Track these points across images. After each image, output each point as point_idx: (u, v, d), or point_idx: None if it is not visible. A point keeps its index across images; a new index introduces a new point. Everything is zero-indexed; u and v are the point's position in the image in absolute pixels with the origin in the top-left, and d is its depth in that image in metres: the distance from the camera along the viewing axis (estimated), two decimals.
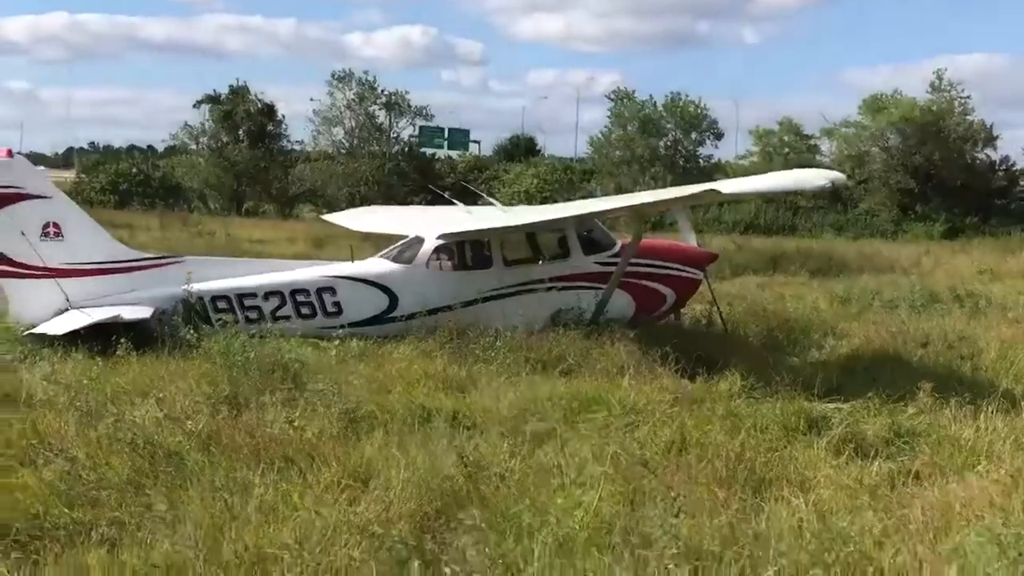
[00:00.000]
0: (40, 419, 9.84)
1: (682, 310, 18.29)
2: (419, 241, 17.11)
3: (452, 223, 17.81)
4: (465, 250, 17.09)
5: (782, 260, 33.48)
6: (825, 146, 70.82)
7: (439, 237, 16.99)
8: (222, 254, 21.49)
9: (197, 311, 15.49)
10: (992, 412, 11.20)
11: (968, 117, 65.72)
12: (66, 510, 7.50)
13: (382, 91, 72.04)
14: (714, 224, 55.96)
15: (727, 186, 16.10)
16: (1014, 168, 66.25)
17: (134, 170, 67.84)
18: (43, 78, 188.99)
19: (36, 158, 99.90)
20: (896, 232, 58.37)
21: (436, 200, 21.10)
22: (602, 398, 11.69)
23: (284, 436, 9.60)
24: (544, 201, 51.37)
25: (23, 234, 15.48)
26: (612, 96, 73.88)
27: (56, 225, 15.67)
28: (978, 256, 40.12)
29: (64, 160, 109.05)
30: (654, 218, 21.61)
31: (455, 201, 22.10)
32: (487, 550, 6.54)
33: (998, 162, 66.49)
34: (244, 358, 12.73)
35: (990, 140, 66.15)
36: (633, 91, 73.04)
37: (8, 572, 6.42)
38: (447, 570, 6.25)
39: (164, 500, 7.78)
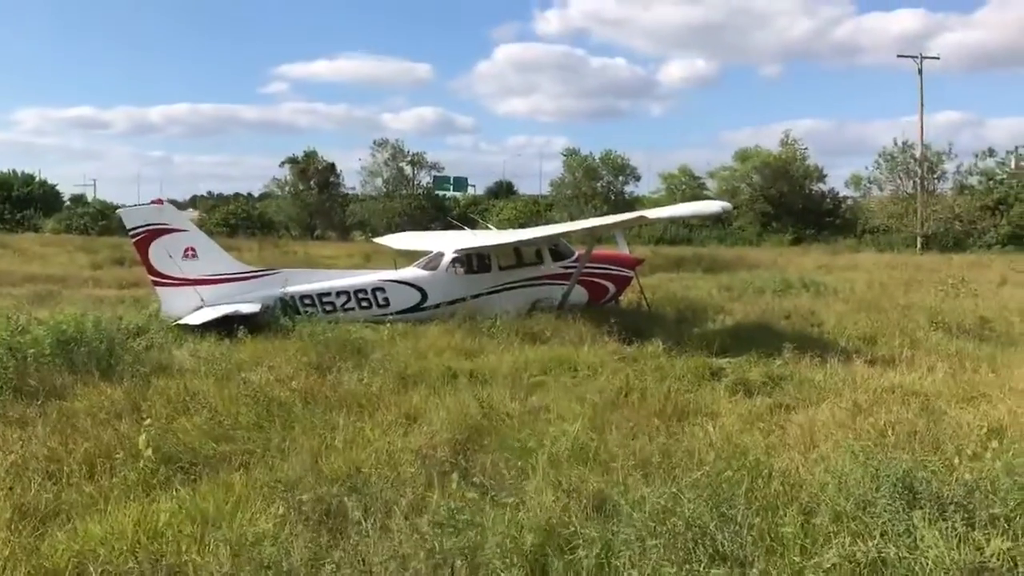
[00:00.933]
0: (189, 382, 9.77)
1: (620, 298, 18.30)
2: (441, 255, 17.02)
3: (463, 242, 17.74)
4: (472, 260, 17.01)
5: (684, 262, 33.46)
6: (710, 183, 70.87)
7: (455, 251, 16.91)
8: (304, 267, 21.38)
9: (291, 306, 15.39)
10: (835, 362, 11.25)
11: (806, 162, 66.05)
12: (213, 444, 7.45)
13: (408, 152, 72.10)
14: (636, 239, 55.86)
15: (652, 213, 16.07)
16: (838, 196, 66.72)
17: (240, 210, 67.41)
18: (174, 147, 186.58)
19: (173, 204, 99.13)
20: (759, 241, 58.49)
21: (448, 227, 21.00)
22: (570, 359, 11.70)
23: (357, 390, 9.58)
24: (520, 227, 51.21)
25: (171, 256, 15.37)
26: (565, 153, 74.09)
27: (193, 249, 15.54)
28: (815, 256, 40.23)
29: (191, 204, 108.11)
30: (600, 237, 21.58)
31: (463, 227, 22.01)
32: (504, 464, 6.52)
33: (827, 192, 66.94)
34: (324, 337, 12.71)
35: (821, 177, 66.59)
36: (578, 149, 73.25)
37: (178, 488, 6.37)
38: (475, 479, 6.22)
39: (279, 436, 7.75)
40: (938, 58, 59.54)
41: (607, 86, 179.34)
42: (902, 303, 18.26)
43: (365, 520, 5.35)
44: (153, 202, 16.32)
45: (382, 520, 5.44)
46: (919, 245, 51.90)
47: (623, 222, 16.56)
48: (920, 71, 54.16)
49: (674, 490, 5.25)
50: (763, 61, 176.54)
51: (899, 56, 57.00)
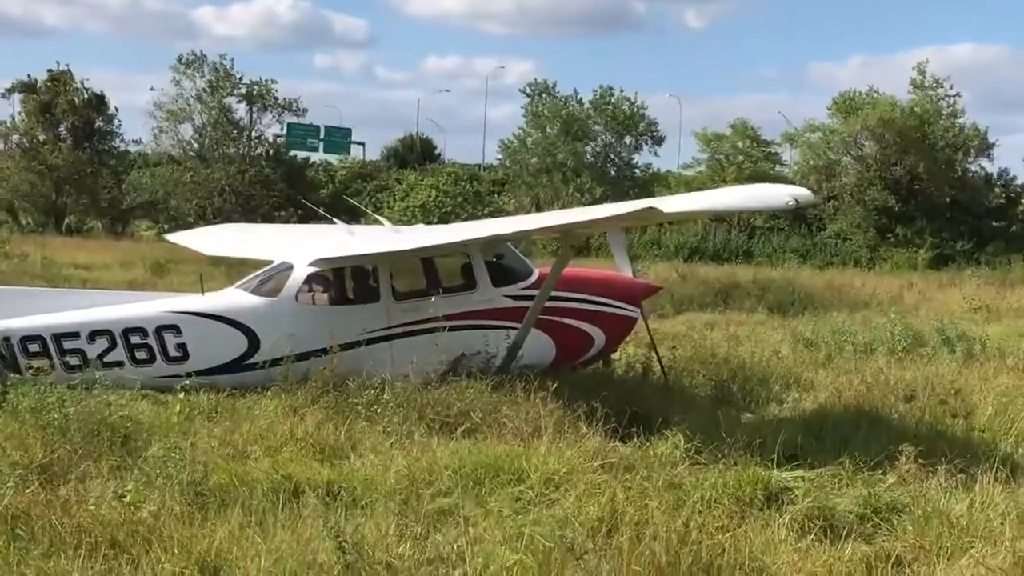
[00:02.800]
0: None
1: (614, 355, 18.31)
2: (287, 268, 17.02)
3: (329, 246, 17.76)
4: (345, 280, 17.04)
5: (735, 293, 33.82)
6: (787, 154, 71.88)
7: (312, 264, 16.92)
8: (35, 283, 21.21)
9: (2, 355, 15.24)
10: (989, 482, 11.33)
11: (958, 120, 66.79)
12: None
13: (241, 79, 71.86)
14: (652, 249, 56.38)
15: (669, 204, 16.18)
16: (1015, 183, 66.94)
17: None
18: None
19: None
20: (872, 260, 59.15)
21: (309, 217, 20.99)
22: (514, 464, 11.67)
23: (112, 515, 9.45)
24: (444, 218, 51.44)
25: None
26: (528, 90, 74.41)
27: None
28: (971, 291, 40.75)
29: None
30: (581, 241, 21.51)
31: (333, 219, 21.99)
32: None
33: (995, 176, 67.27)
34: (62, 416, 12.56)
35: (985, 149, 66.91)
36: (554, 84, 73.85)
37: None
38: None
39: None
40: None
41: None
42: None
43: None
44: None
45: None
46: None
47: (620, 216, 16.52)
48: None
49: None
50: None
51: None
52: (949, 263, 56.06)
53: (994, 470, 11.67)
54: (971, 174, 66.42)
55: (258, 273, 17.44)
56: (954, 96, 66.75)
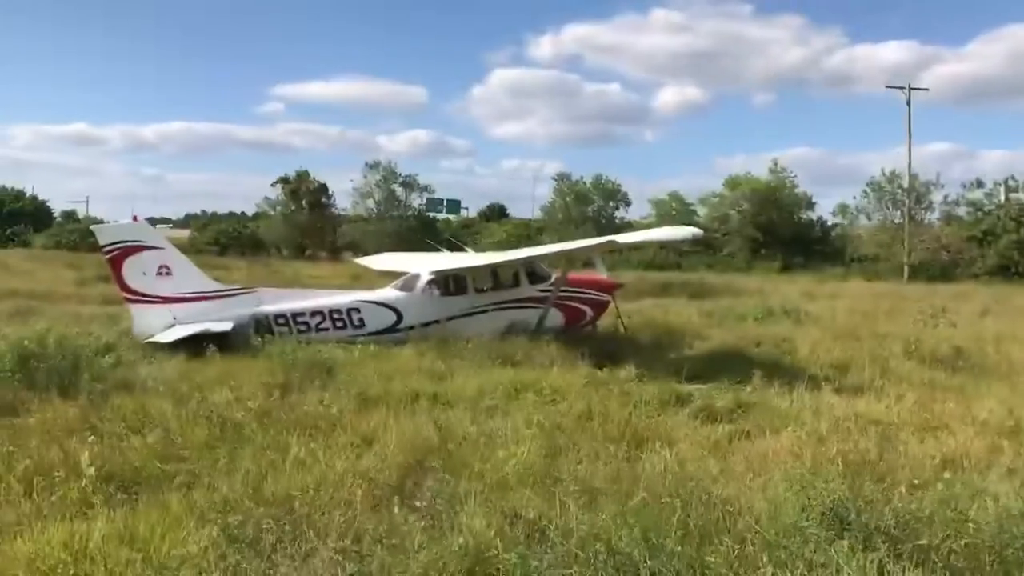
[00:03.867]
0: (148, 401, 9.67)
1: (597, 323, 18.23)
2: (417, 275, 16.97)
3: (440, 263, 17.72)
4: (449, 281, 16.98)
5: (670, 288, 33.42)
6: (700, 210, 70.95)
7: (431, 272, 16.88)
8: (291, 287, 21.41)
9: (264, 325, 15.33)
10: (802, 390, 11.20)
11: (795, 190, 66.06)
12: (157, 463, 7.35)
13: (400, 174, 71.95)
14: (625, 263, 55.92)
15: (622, 238, 16.12)
16: (826, 224, 66.78)
17: (231, 229, 67.52)
18: (168, 166, 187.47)
19: (164, 221, 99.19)
20: (748, 268, 58.41)
21: (434, 250, 21.04)
22: (537, 382, 11.58)
23: (315, 411, 9.49)
24: (512, 249, 51.32)
25: (144, 274, 15.29)
26: (556, 178, 74.29)
27: (167, 267, 15.46)
28: (802, 284, 40.14)
29: (184, 222, 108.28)
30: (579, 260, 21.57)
31: (441, 248, 21.97)
32: (440, 488, 6.43)
33: (816, 220, 66.98)
34: (294, 357, 12.64)
35: (810, 205, 66.51)
36: (570, 174, 73.51)
37: (113, 509, 6.26)
38: (416, 504, 6.14)
39: (226, 456, 7.65)
40: (927, 90, 60.75)
41: (601, 111, 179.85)
42: (880, 332, 18.22)
43: (291, 544, 5.26)
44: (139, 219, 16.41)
45: (311, 544, 5.35)
46: (906, 274, 52.01)
47: (594, 246, 16.53)
48: (908, 102, 54.51)
49: (603, 517, 5.17)
50: (756, 89, 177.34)
51: (888, 87, 57.47)
52: (790, 270, 55.60)
53: (804, 383, 11.54)
54: (802, 219, 66.03)
55: (402, 278, 17.41)
56: (793, 177, 66.52)
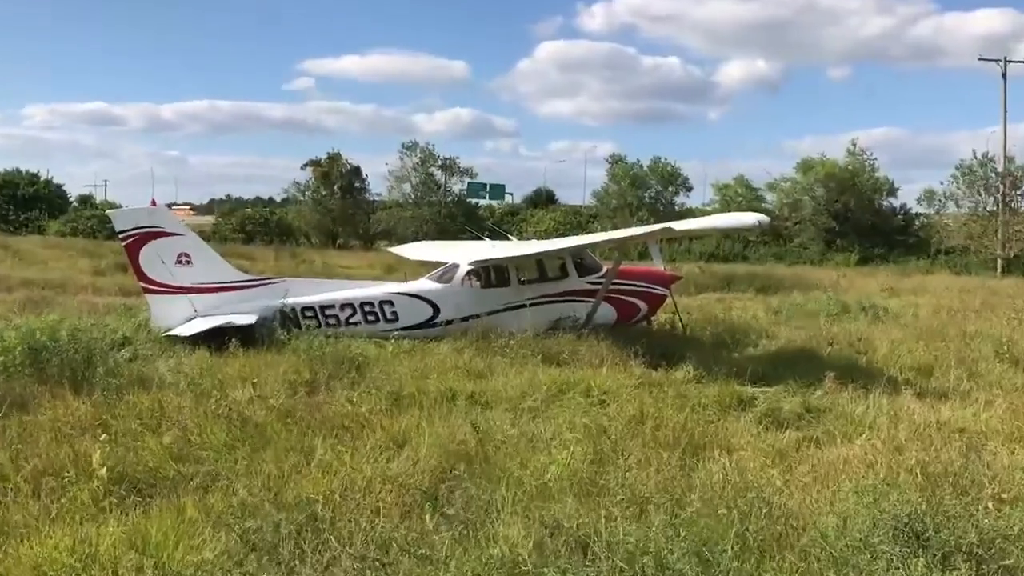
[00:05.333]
0: (164, 397, 9.84)
1: (652, 318, 18.11)
2: (455, 266, 17.01)
3: (480, 253, 17.73)
4: (490, 273, 16.97)
5: (735, 281, 33.13)
6: (769, 196, 70.19)
7: (470, 263, 16.91)
8: (321, 277, 21.63)
9: (290, 318, 15.46)
10: (878, 394, 11.05)
11: (875, 174, 65.09)
12: (173, 464, 7.48)
13: (439, 156, 72.10)
14: (686, 254, 55.66)
15: (679, 225, 15.98)
16: (910, 212, 65.66)
17: (257, 215, 68.31)
18: (191, 147, 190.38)
19: (186, 206, 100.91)
20: (821, 260, 57.71)
21: (476, 238, 21.03)
22: (585, 382, 11.55)
23: (344, 411, 9.58)
24: (560, 237, 51.26)
25: (163, 262, 15.53)
26: (610, 160, 73.76)
27: (187, 255, 15.70)
28: (882, 278, 39.56)
29: (207, 208, 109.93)
30: (631, 250, 21.43)
31: (483, 236, 22.00)
32: (475, 495, 6.45)
33: (898, 208, 65.97)
34: (321, 352, 12.76)
35: (892, 191, 65.50)
36: (625, 156, 72.99)
37: (125, 512, 6.39)
38: (450, 511, 6.17)
39: (247, 458, 7.75)
40: None
41: (659, 87, 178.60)
42: (969, 331, 17.87)
43: (312, 552, 5.32)
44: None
45: (333, 553, 5.40)
46: (999, 268, 50.92)
47: (647, 234, 16.39)
48: (1004, 75, 53.31)
49: (652, 529, 5.14)
50: (831, 63, 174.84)
51: (981, 59, 56.25)
52: (868, 262, 54.82)
53: (881, 387, 11.38)
54: (883, 207, 64.99)
55: (439, 269, 17.49)
56: (873, 160, 65.46)
